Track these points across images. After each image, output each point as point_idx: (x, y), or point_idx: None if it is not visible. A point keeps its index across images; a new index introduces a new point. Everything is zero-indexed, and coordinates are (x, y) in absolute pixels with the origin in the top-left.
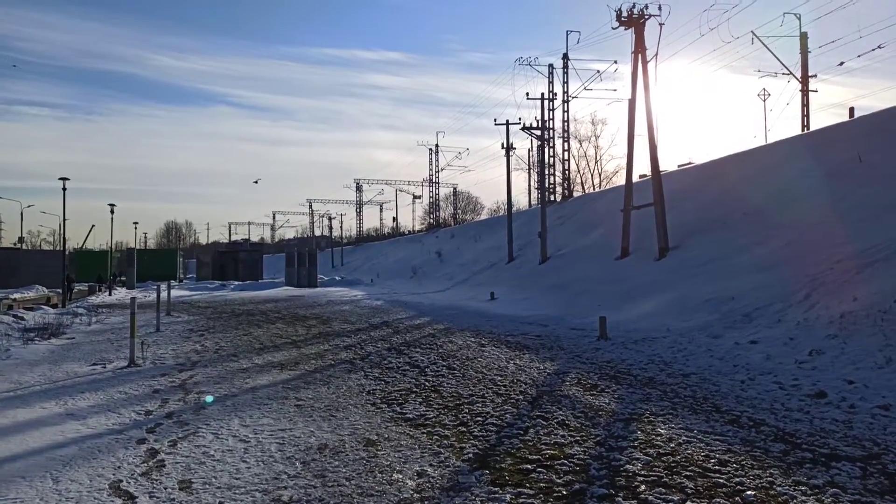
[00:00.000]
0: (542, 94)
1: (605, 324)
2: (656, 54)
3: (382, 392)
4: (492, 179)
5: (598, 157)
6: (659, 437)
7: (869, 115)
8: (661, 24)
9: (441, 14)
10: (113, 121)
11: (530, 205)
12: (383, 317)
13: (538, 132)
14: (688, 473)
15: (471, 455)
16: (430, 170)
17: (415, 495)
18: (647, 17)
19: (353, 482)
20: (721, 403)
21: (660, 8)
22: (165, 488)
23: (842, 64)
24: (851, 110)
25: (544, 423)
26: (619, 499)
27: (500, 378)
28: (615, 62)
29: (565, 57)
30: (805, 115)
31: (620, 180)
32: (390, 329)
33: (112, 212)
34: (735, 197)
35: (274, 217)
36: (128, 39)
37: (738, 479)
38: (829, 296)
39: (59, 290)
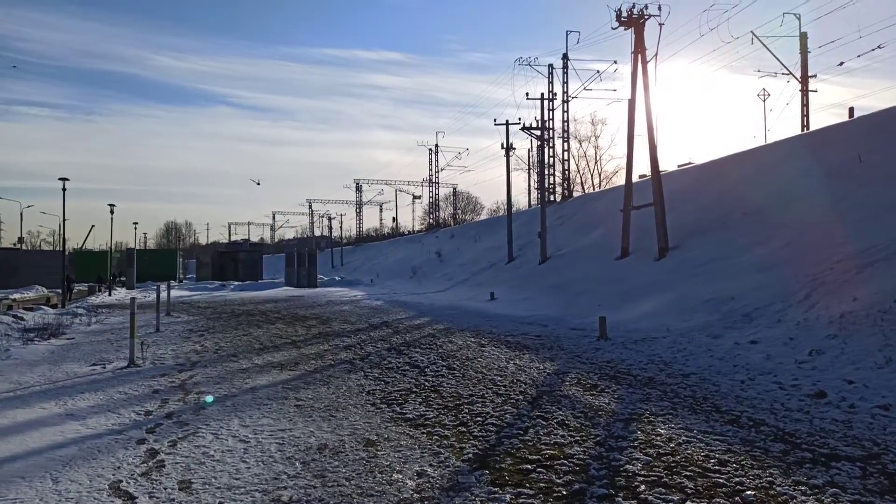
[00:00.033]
0: (542, 95)
1: (605, 324)
2: (656, 54)
3: (382, 392)
4: (492, 179)
5: (598, 157)
6: (659, 437)
7: (869, 115)
8: (660, 25)
9: (441, 14)
10: (113, 121)
11: (530, 205)
12: (383, 317)
13: (538, 132)
14: (688, 473)
15: (471, 455)
16: (430, 170)
17: (415, 495)
18: (646, 17)
19: (353, 482)
20: (721, 403)
21: (659, 8)
22: (165, 488)
23: (841, 64)
24: (851, 110)
25: (544, 423)
26: (619, 499)
27: (499, 378)
28: (615, 62)
29: (565, 57)
30: (805, 115)
31: (620, 180)
32: (390, 329)
33: (112, 212)
34: (735, 197)
35: (274, 217)
36: (128, 39)
37: (737, 479)
38: (829, 296)
39: (59, 291)
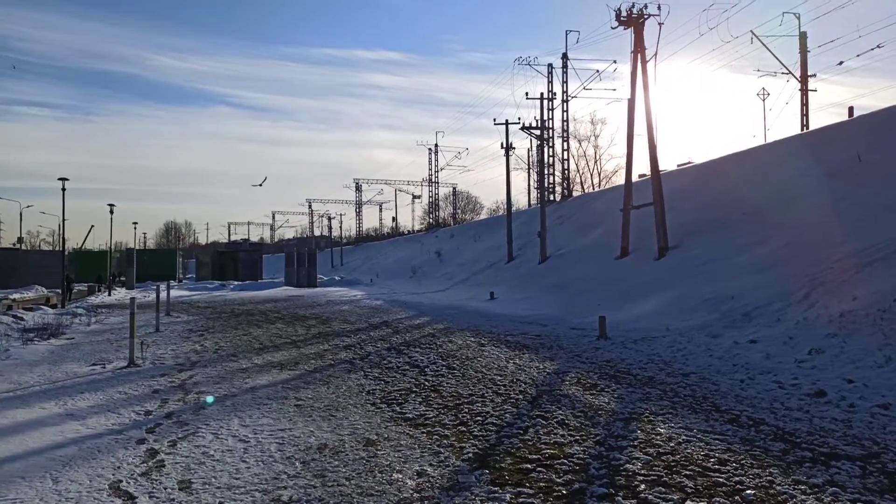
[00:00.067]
0: (542, 94)
1: (605, 323)
2: (655, 54)
3: (382, 392)
4: (491, 179)
5: (598, 157)
6: (658, 437)
7: (868, 114)
8: (660, 24)
9: (441, 14)
10: (112, 121)
11: (530, 204)
12: (383, 316)
13: (537, 132)
14: (687, 472)
15: (470, 455)
16: (430, 169)
17: (414, 495)
18: (646, 16)
19: (353, 482)
20: (721, 402)
21: (659, 7)
22: (165, 488)
23: (841, 63)
24: (851, 110)
25: (544, 422)
26: (619, 498)
27: (499, 378)
28: (614, 62)
29: (564, 57)
30: (804, 115)
31: (620, 180)
32: (390, 329)
33: (111, 212)
34: (734, 196)
35: (273, 217)
36: (128, 39)
37: (737, 479)
38: (828, 295)
39: (59, 291)
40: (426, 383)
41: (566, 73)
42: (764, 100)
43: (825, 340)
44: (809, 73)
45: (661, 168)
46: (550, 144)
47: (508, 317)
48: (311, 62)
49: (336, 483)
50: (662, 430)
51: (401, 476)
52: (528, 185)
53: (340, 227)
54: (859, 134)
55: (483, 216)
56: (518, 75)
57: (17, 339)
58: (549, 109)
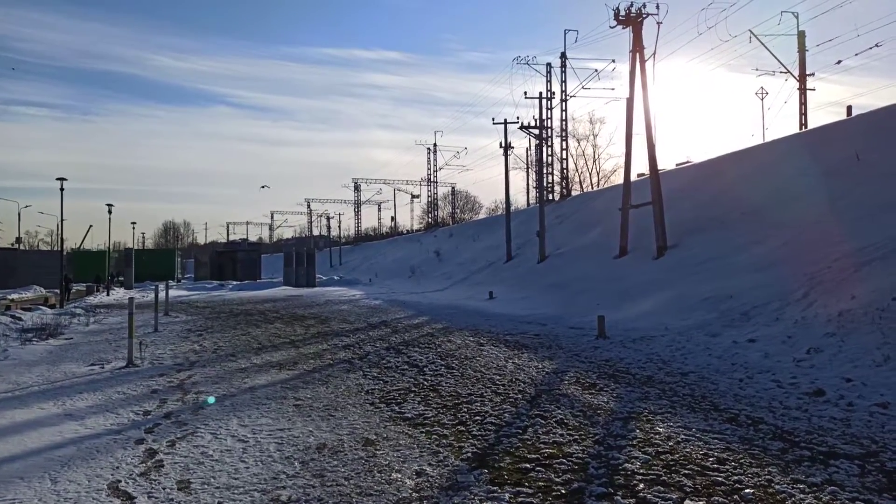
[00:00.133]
0: (540, 94)
1: (604, 323)
2: (654, 53)
3: (381, 391)
4: (490, 179)
5: (597, 156)
6: (657, 436)
7: (866, 113)
8: (658, 23)
9: (440, 14)
10: (112, 121)
11: (528, 204)
12: (382, 316)
13: (536, 131)
14: (686, 472)
15: (469, 454)
16: (429, 169)
17: (414, 495)
18: (644, 15)
19: (352, 482)
20: (719, 402)
21: (657, 7)
22: (164, 488)
23: (839, 62)
24: (849, 108)
25: (543, 421)
26: (618, 497)
27: (498, 377)
28: (613, 61)
29: (563, 56)
30: (803, 114)
31: (619, 179)
32: (389, 328)
33: (110, 212)
34: (733, 196)
35: (272, 217)
36: (128, 40)
37: (736, 478)
38: (827, 294)
39: (57, 291)
40: (425, 383)
41: (565, 72)
42: (762, 99)
43: (824, 339)
44: (808, 73)
45: (659, 167)
46: (549, 144)
47: (507, 316)
48: (311, 62)
49: (335, 483)
50: (661, 430)
51: (400, 476)
52: (527, 184)
53: (339, 226)
54: (857, 133)
55: (482, 216)
56: (517, 75)
57: (16, 339)
58: (547, 109)
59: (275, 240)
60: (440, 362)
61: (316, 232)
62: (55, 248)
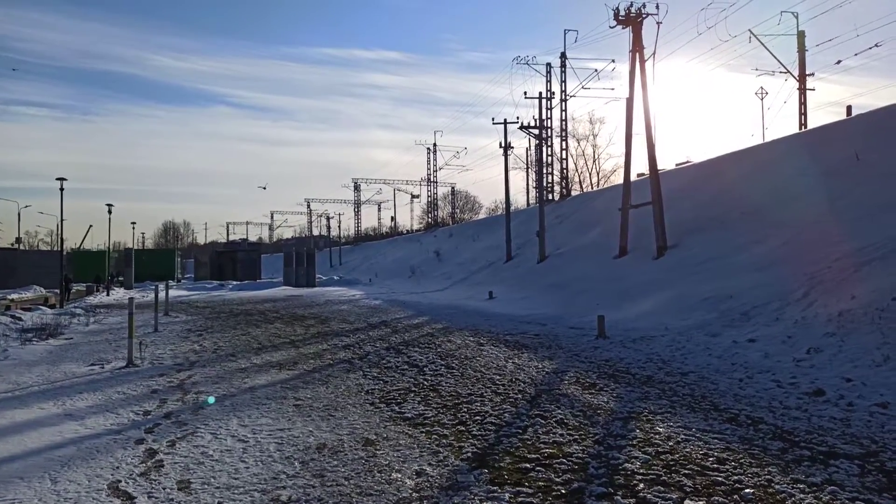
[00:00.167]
0: (540, 94)
1: (604, 323)
2: (654, 53)
3: (381, 391)
4: (490, 179)
5: (596, 156)
6: (657, 436)
7: (866, 113)
8: (658, 23)
9: (440, 14)
10: (112, 121)
11: (528, 204)
12: (382, 316)
13: (536, 131)
14: (686, 472)
15: (469, 454)
16: (429, 169)
17: (414, 495)
18: (644, 15)
19: (352, 482)
20: (719, 402)
21: (657, 7)
22: (164, 488)
23: (839, 62)
24: (849, 108)
25: (543, 421)
26: (618, 497)
27: (498, 377)
28: (613, 61)
29: (563, 56)
30: (802, 114)
31: (618, 179)
32: (389, 328)
33: (110, 212)
34: (733, 196)
35: (272, 217)
36: (128, 40)
37: (736, 478)
38: (826, 294)
39: (57, 291)
40: (425, 383)
41: (565, 72)
42: (762, 99)
43: (824, 339)
44: (807, 72)
45: (659, 167)
46: (549, 144)
47: (507, 316)
48: (311, 62)
49: (335, 483)
50: (661, 430)
51: (400, 476)
52: (527, 184)
53: (339, 226)
54: (857, 133)
55: (482, 216)
56: (517, 75)
57: (16, 339)
58: (547, 109)
59: (275, 240)
60: (440, 362)
61: (316, 232)
62: (55, 248)
